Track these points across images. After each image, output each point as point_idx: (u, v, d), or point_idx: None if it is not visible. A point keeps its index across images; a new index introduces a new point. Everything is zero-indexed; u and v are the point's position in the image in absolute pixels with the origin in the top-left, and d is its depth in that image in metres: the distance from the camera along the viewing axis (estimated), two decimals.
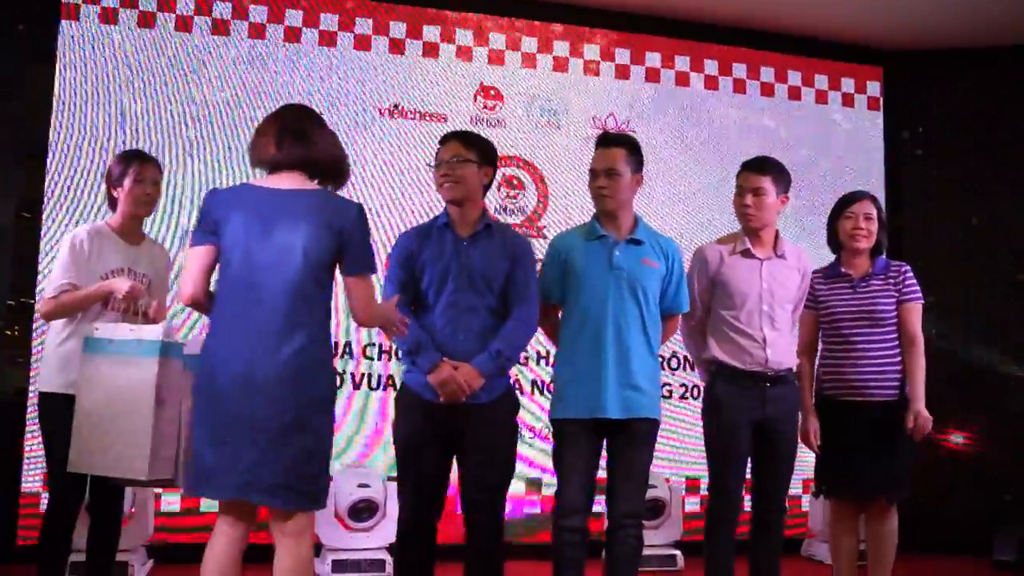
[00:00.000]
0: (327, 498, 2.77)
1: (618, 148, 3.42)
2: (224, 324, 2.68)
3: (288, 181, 2.73)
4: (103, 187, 5.07)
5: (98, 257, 3.37)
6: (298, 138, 2.73)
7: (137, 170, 3.47)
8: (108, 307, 3.32)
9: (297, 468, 2.61)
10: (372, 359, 5.34)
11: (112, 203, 3.54)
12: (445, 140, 3.39)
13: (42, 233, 4.93)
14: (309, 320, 2.64)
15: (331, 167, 2.81)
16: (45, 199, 4.96)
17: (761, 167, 3.69)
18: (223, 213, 2.71)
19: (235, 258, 2.68)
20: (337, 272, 2.75)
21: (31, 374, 4.82)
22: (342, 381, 5.28)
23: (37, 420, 3.41)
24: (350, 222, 2.69)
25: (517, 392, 3.65)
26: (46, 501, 3.36)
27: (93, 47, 5.13)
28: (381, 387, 5.35)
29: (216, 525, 2.76)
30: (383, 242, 5.40)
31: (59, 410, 3.20)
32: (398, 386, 3.52)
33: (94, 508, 3.43)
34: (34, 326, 4.87)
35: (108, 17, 5.16)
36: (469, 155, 3.30)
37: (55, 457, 3.23)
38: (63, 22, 5.10)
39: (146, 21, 5.23)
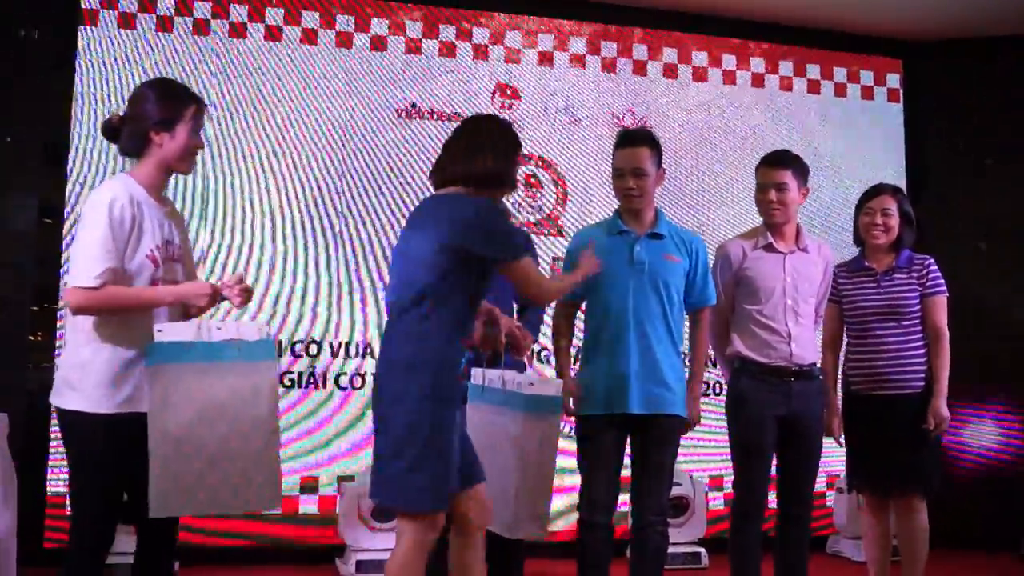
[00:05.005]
0: (418, 501, 2.63)
1: (643, 147, 3.39)
2: None
3: (441, 191, 2.85)
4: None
5: (139, 230, 2.63)
6: (454, 160, 2.84)
7: (195, 114, 2.76)
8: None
9: (376, 464, 2.70)
10: None
11: (139, 149, 2.73)
12: None
13: (64, 238, 4.95)
14: (407, 319, 2.69)
15: (483, 180, 2.81)
16: (67, 204, 4.99)
17: (781, 161, 3.67)
18: None
19: None
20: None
21: (55, 380, 4.85)
22: (364, 382, 5.29)
23: (65, 439, 2.68)
24: (464, 221, 2.69)
25: None
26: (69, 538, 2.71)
27: (112, 52, 5.15)
28: None
29: None
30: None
31: (112, 435, 2.59)
32: None
33: (142, 529, 2.79)
34: (58, 331, 4.90)
35: (126, 22, 5.19)
36: None
37: (92, 492, 2.64)
38: (82, 28, 5.12)
39: (164, 25, 5.25)
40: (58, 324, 4.90)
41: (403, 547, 2.68)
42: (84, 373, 2.61)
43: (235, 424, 2.54)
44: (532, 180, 5.70)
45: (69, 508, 2.86)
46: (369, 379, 5.29)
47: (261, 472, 2.59)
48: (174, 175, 2.85)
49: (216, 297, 2.72)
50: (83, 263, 2.56)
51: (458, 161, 2.80)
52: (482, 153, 2.79)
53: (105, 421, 2.58)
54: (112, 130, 2.76)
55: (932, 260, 3.80)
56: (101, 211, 2.57)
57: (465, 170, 2.78)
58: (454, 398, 2.69)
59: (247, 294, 2.78)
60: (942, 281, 3.75)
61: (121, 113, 2.78)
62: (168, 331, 2.54)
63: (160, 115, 2.70)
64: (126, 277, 2.61)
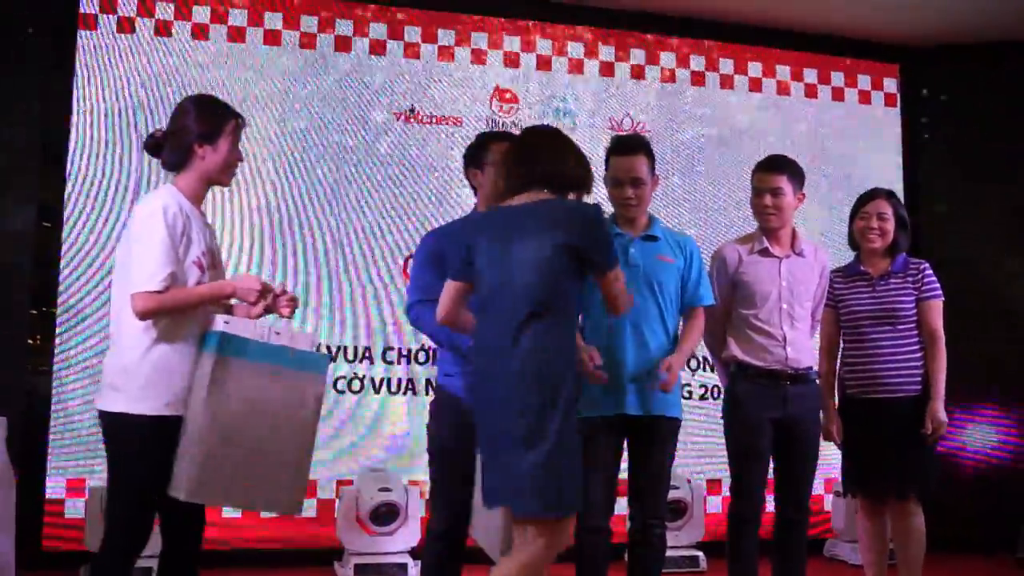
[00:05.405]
0: (568, 505, 2.68)
1: (640, 155, 3.38)
2: (476, 339, 2.83)
3: (522, 198, 2.80)
4: (125, 185, 4.89)
5: (188, 237, 2.71)
6: (523, 161, 2.82)
7: (235, 128, 2.87)
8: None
9: (519, 475, 2.66)
10: (392, 363, 5.35)
11: (182, 161, 2.80)
12: (496, 139, 3.38)
13: (63, 242, 4.97)
14: (534, 324, 2.65)
15: (570, 182, 2.83)
16: (65, 208, 5.00)
17: (777, 166, 3.68)
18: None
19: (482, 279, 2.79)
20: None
21: (53, 383, 4.88)
22: (362, 385, 5.30)
23: (107, 441, 2.71)
24: (586, 220, 2.71)
25: None
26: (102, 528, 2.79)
27: (111, 56, 5.16)
28: (401, 391, 5.36)
29: None
30: (398, 246, 5.42)
31: (155, 437, 2.63)
32: (431, 391, 3.49)
33: (169, 532, 2.86)
34: (56, 334, 4.91)
35: (125, 26, 5.20)
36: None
37: (129, 494, 2.68)
38: (81, 32, 5.13)
39: (162, 30, 5.26)
40: (57, 327, 4.92)
41: (528, 555, 2.66)
42: (129, 376, 2.64)
43: (276, 427, 2.62)
44: None
45: (105, 510, 2.88)
46: (367, 383, 5.30)
47: (289, 478, 2.67)
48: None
49: (265, 295, 2.77)
50: (149, 269, 2.61)
51: (544, 163, 2.80)
52: (567, 156, 2.84)
53: (148, 423, 2.63)
54: (156, 145, 2.84)
55: (927, 264, 3.81)
56: (157, 218, 2.64)
57: (556, 172, 2.80)
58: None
59: (294, 303, 2.87)
60: (937, 285, 3.76)
61: (162, 128, 2.87)
62: (233, 324, 2.63)
63: (202, 128, 2.78)
64: (180, 281, 2.68)
